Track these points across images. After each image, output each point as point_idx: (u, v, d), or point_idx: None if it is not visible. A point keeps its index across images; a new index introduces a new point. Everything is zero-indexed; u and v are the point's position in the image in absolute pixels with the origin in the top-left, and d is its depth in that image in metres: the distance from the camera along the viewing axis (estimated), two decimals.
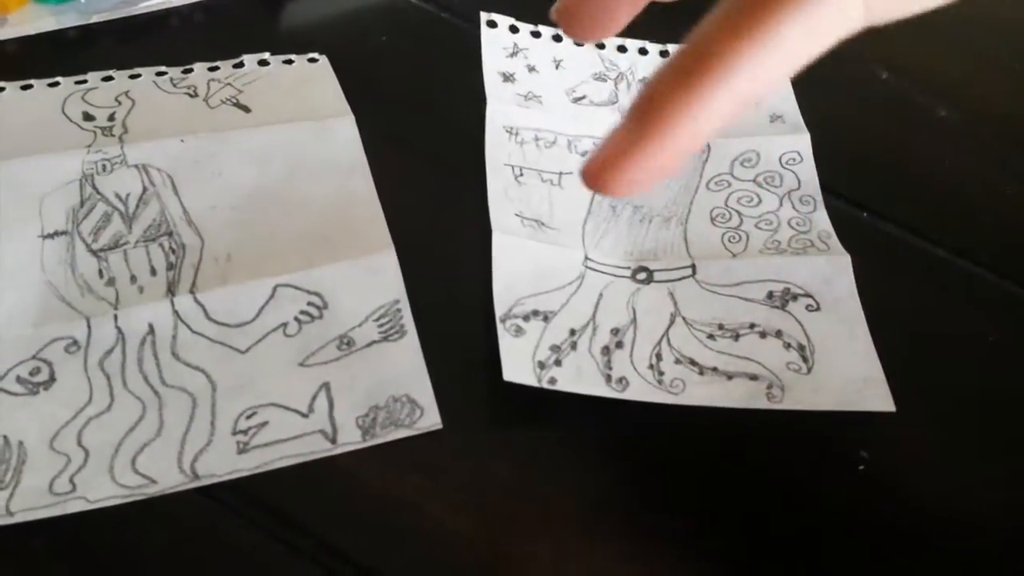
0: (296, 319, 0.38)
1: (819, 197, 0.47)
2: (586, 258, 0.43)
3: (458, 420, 0.37)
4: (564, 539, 0.35)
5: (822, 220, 0.46)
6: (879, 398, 0.40)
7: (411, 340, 0.38)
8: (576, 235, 0.44)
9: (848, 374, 0.40)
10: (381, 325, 0.38)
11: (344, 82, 0.48)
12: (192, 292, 0.38)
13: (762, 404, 0.39)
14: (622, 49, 0.52)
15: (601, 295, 0.42)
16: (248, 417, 0.36)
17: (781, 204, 0.47)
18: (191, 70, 0.47)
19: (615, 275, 0.43)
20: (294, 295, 0.39)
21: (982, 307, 0.44)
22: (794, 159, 0.48)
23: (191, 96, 0.46)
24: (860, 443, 0.39)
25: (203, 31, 0.51)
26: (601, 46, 0.52)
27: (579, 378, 0.39)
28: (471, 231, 0.43)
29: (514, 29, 0.52)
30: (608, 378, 0.39)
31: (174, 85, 0.46)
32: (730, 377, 0.40)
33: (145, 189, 0.41)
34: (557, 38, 0.52)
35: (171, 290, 0.38)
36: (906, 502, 0.38)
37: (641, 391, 0.39)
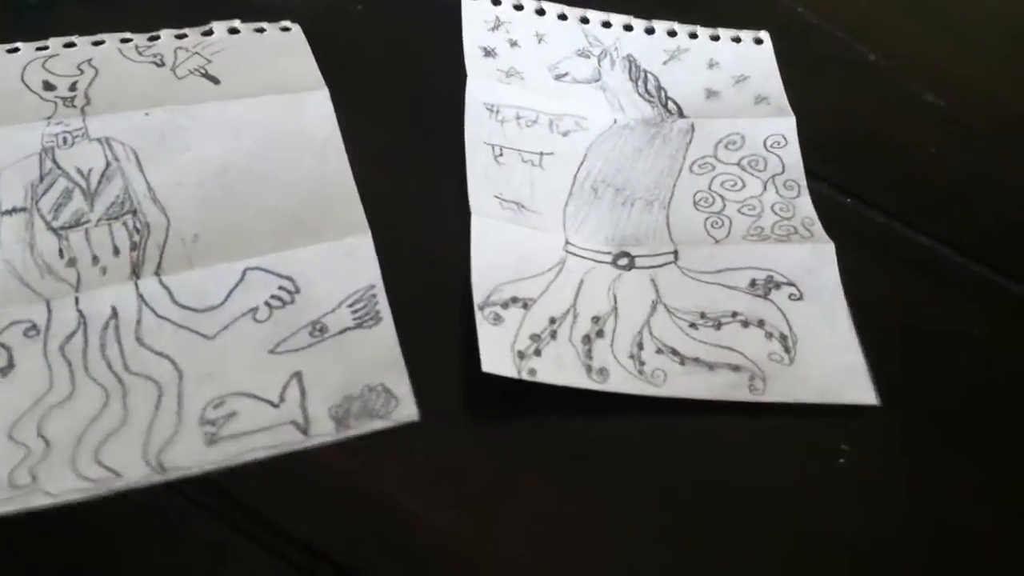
0: (266, 304, 0.37)
1: (803, 182, 0.46)
2: (567, 242, 0.42)
3: (435, 411, 0.36)
4: (544, 532, 0.35)
5: (806, 206, 0.45)
6: (861, 391, 0.39)
7: (387, 327, 0.37)
8: (557, 218, 0.43)
9: (830, 366, 0.40)
10: (355, 311, 0.37)
11: (317, 53, 0.46)
12: (157, 274, 0.37)
13: (743, 396, 0.39)
14: (607, 24, 0.51)
15: (582, 281, 0.41)
16: (216, 407, 0.35)
17: (765, 189, 0.46)
18: (158, 37, 0.45)
19: (596, 260, 0.42)
20: (264, 279, 0.37)
21: (968, 298, 0.44)
22: (779, 142, 0.47)
23: (157, 65, 0.44)
24: (841, 436, 0.38)
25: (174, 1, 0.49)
26: (585, 20, 0.51)
27: (559, 369, 0.38)
28: (449, 212, 0.41)
29: (496, 1, 0.50)
30: (589, 369, 0.38)
31: (139, 53, 0.44)
32: (712, 368, 0.39)
33: (108, 164, 0.40)
34: (540, 12, 0.50)
35: (135, 272, 0.37)
36: (886, 497, 0.37)
37: (622, 382, 0.38)
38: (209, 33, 0.46)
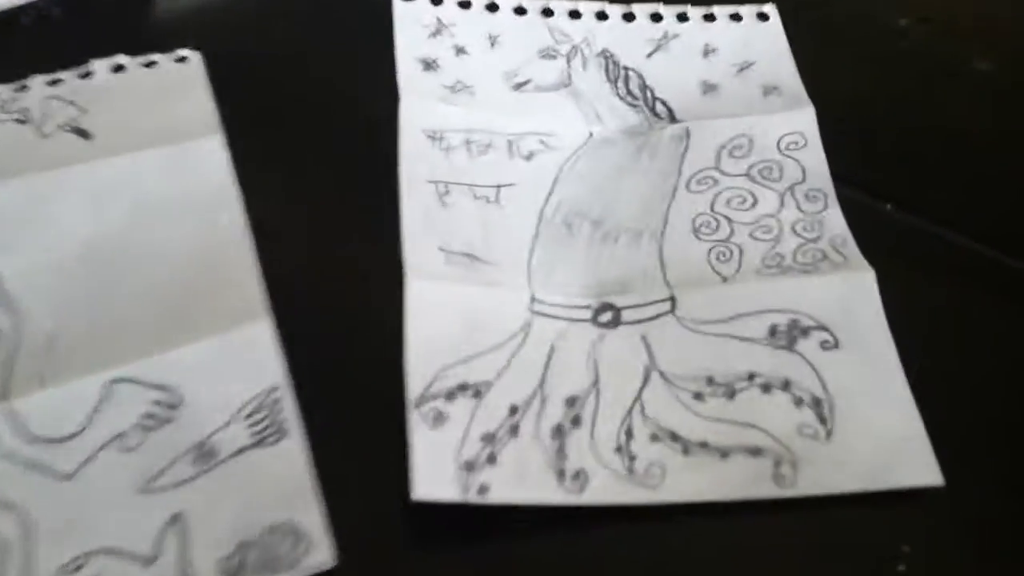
0: (138, 425, 0.29)
1: (830, 191, 0.39)
2: (533, 299, 0.34)
3: (357, 553, 0.28)
4: None
5: (835, 222, 0.38)
6: (922, 468, 0.31)
7: (294, 443, 0.30)
8: (520, 268, 0.35)
9: (879, 437, 0.32)
10: (253, 424, 0.30)
11: (220, 83, 0.39)
12: (3, 398, 0.29)
13: (768, 490, 0.30)
14: (575, 15, 0.43)
15: (552, 350, 0.33)
16: (75, 570, 0.27)
17: (782, 204, 0.38)
18: (26, 87, 0.38)
19: (571, 319, 0.34)
20: (135, 392, 0.30)
21: None
22: (796, 143, 0.40)
23: (21, 122, 0.37)
24: (899, 533, 0.30)
25: (60, 29, 0.43)
26: (549, 12, 0.42)
27: (521, 479, 0.30)
28: (378, 277, 0.34)
29: (436, 1, 0.42)
30: (561, 474, 0.30)
31: (3, 110, 0.37)
32: (725, 454, 0.31)
33: None
34: (491, 7, 0.42)
35: None
36: None
37: (606, 489, 0.30)
38: (88, 75, 0.38)
